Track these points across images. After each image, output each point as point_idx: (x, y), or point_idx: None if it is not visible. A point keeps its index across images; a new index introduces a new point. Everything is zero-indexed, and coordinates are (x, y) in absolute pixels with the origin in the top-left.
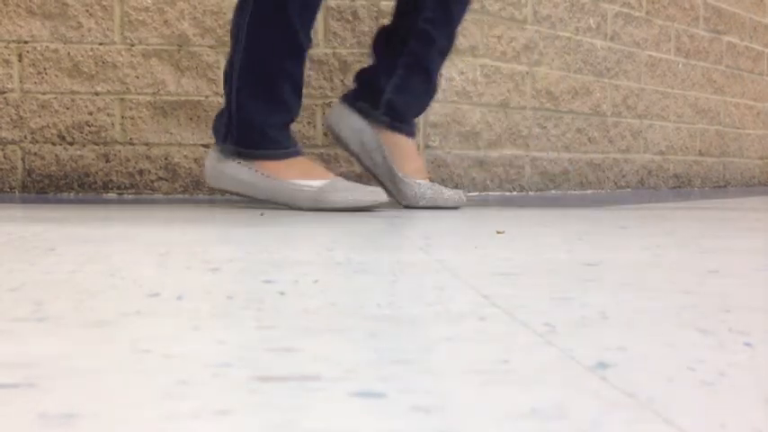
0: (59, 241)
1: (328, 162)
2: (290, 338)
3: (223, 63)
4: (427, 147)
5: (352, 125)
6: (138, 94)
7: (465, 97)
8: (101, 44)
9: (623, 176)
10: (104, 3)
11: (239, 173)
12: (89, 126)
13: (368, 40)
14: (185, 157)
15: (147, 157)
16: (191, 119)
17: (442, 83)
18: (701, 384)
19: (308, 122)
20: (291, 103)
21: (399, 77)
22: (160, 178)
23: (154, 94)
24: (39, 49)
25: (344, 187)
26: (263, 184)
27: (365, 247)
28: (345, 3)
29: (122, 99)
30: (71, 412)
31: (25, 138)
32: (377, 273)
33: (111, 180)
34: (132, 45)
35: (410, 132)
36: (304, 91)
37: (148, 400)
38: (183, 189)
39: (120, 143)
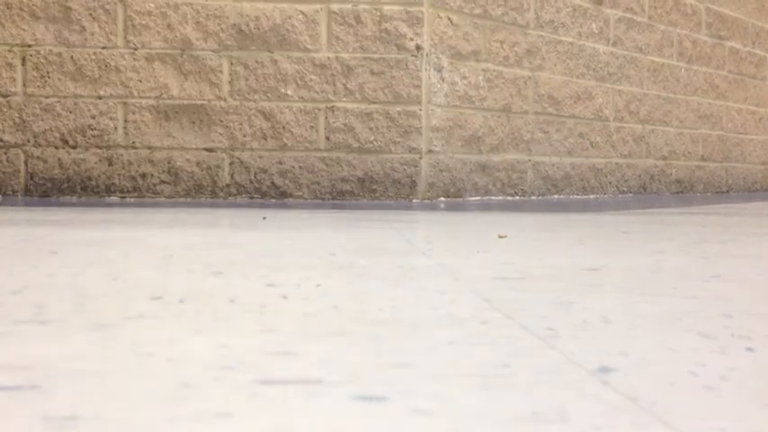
0: (62, 244)
1: (330, 166)
2: (292, 342)
3: (226, 67)
4: (430, 151)
5: None
6: (141, 97)
7: (467, 102)
8: (104, 48)
9: (625, 181)
10: (108, 7)
11: None
12: (92, 130)
13: (370, 45)
14: (188, 160)
15: (150, 161)
16: (193, 123)
17: (444, 87)
18: (703, 389)
19: (311, 126)
20: None
21: None
22: (162, 182)
23: (157, 97)
24: (42, 52)
25: None
26: None
27: (367, 251)
28: (348, 7)
29: (125, 103)
30: (73, 414)
31: (28, 141)
32: (379, 277)
33: (113, 183)
34: (135, 49)
35: None
36: (306, 95)
37: (150, 402)
38: (185, 193)
39: (123, 147)
